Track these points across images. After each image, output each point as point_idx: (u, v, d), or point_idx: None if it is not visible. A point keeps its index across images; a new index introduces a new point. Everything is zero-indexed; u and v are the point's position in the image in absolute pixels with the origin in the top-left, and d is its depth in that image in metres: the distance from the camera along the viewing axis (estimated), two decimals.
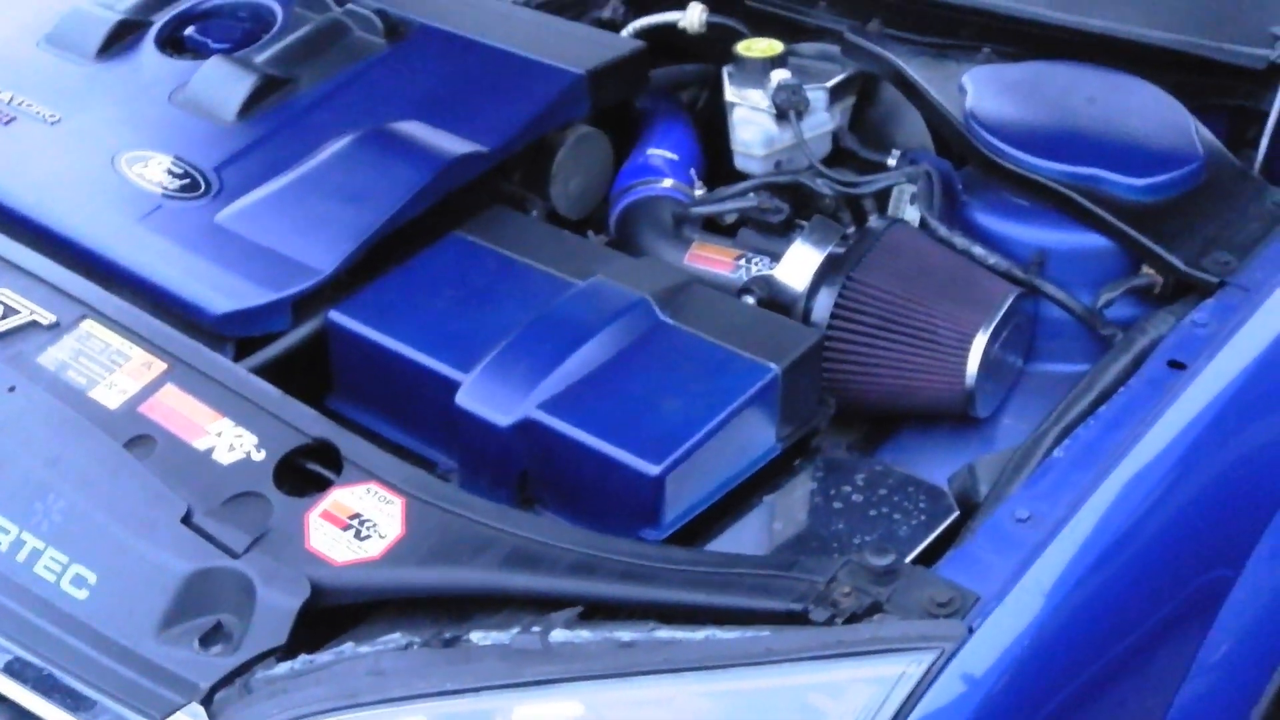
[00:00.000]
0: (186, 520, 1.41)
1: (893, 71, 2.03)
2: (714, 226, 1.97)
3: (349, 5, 2.11)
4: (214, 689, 1.30)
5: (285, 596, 1.35)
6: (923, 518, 1.53)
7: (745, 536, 1.55)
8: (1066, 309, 1.76)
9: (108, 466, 1.47)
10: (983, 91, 1.91)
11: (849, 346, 1.73)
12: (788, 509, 1.57)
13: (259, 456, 1.47)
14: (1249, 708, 1.61)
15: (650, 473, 1.47)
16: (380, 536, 1.40)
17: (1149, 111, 1.88)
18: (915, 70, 2.00)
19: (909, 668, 1.25)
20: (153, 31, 2.11)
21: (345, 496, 1.43)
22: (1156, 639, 1.49)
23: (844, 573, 1.32)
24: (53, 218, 1.80)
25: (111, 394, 1.54)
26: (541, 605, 1.34)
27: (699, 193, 1.99)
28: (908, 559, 1.47)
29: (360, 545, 1.39)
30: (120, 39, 2.10)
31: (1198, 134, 1.84)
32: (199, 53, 2.09)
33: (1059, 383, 1.70)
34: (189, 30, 2.14)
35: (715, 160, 2.09)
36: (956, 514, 1.52)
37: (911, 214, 1.90)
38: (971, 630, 1.27)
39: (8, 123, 1.97)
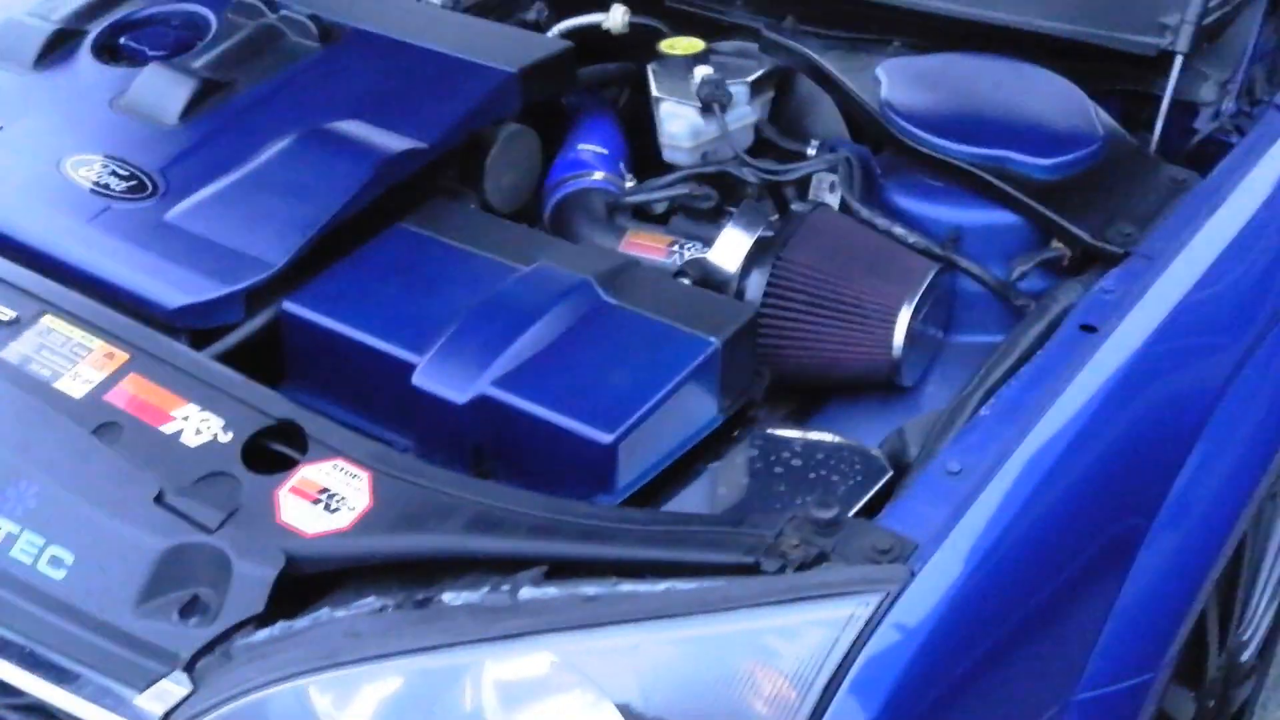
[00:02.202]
0: (159, 500, 1.45)
1: (809, 65, 2.11)
2: (644, 216, 2.03)
3: (282, 11, 2.15)
4: (195, 657, 1.34)
5: (260, 567, 1.40)
6: (859, 478, 1.59)
7: (691, 503, 1.61)
8: (982, 282, 1.86)
9: (77, 452, 1.50)
10: (896, 81, 2.01)
11: (781, 322, 1.81)
12: (730, 475, 1.63)
13: (226, 438, 1.52)
14: (1163, 653, 1.71)
15: (604, 440, 1.54)
16: (350, 509, 1.45)
17: (1051, 96, 1.99)
18: (831, 63, 2.08)
19: (857, 609, 1.32)
20: (88, 40, 2.13)
21: (313, 473, 1.49)
22: (1079, 583, 1.57)
23: (790, 526, 1.39)
24: (2, 223, 1.82)
25: (76, 384, 1.57)
26: (506, 567, 1.40)
27: (629, 184, 2.06)
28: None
29: (330, 517, 1.44)
30: (56, 48, 2.11)
31: (1097, 116, 1.96)
32: (135, 60, 2.11)
33: (977, 352, 1.78)
34: (124, 39, 2.16)
35: (639, 154, 2.16)
36: (890, 473, 1.60)
37: (830, 200, 1.99)
38: (913, 574, 1.35)
39: None
